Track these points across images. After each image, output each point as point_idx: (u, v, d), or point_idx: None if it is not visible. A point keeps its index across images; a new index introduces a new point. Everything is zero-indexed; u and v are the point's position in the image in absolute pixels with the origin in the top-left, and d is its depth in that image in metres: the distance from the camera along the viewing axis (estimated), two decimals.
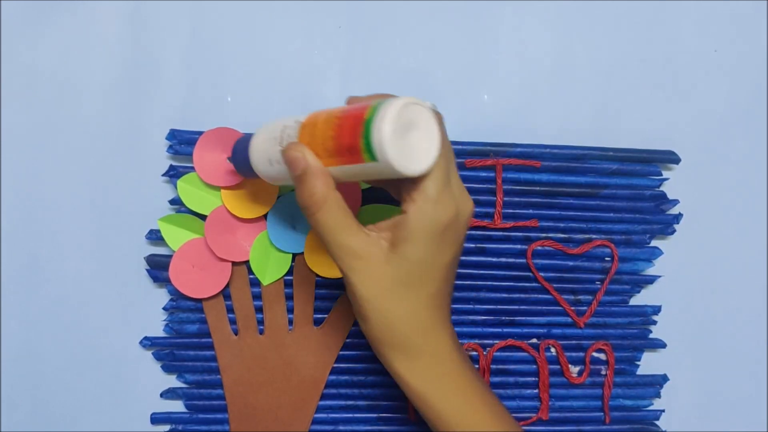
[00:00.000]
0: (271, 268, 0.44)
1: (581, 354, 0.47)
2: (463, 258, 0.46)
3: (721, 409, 0.49)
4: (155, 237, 0.44)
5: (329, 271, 0.44)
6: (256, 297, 0.45)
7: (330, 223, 0.32)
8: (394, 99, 0.30)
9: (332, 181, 0.33)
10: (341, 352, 0.45)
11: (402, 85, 0.47)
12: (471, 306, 0.46)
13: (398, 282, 0.32)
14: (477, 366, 0.46)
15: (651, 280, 0.48)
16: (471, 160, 0.46)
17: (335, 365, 0.45)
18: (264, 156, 0.37)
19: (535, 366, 0.47)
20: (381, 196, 0.45)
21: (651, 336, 0.48)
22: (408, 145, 0.30)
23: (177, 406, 0.45)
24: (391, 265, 0.32)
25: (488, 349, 0.46)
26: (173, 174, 0.44)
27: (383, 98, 0.31)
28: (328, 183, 0.32)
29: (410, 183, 0.32)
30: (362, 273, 0.32)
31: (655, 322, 0.48)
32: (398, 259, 0.32)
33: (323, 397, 0.45)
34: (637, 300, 0.48)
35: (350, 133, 0.31)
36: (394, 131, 0.29)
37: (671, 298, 0.48)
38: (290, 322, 0.45)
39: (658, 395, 0.48)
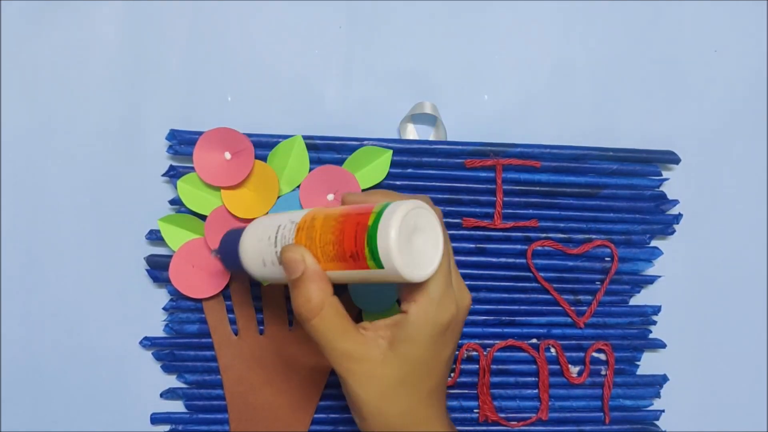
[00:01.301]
0: None
1: (581, 354, 0.47)
2: (463, 258, 0.46)
3: (721, 409, 0.49)
4: (155, 237, 0.44)
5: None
6: (256, 297, 0.45)
7: (326, 330, 0.32)
8: (400, 204, 0.29)
9: (330, 286, 0.32)
10: None
11: (402, 85, 0.47)
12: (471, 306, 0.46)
13: (398, 382, 0.32)
14: (477, 366, 0.46)
15: (651, 280, 0.48)
16: (471, 160, 0.46)
17: None
18: (257, 256, 0.35)
19: (535, 366, 0.47)
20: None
21: (651, 336, 0.48)
22: (413, 251, 0.29)
23: (177, 406, 0.45)
24: (390, 366, 0.32)
25: (488, 349, 0.46)
26: (173, 174, 0.44)
27: (386, 199, 0.30)
28: (325, 288, 0.32)
29: (413, 284, 0.31)
30: (360, 375, 0.32)
31: (655, 322, 0.48)
32: (398, 360, 0.32)
33: (323, 397, 0.45)
34: (637, 300, 0.48)
35: (353, 239, 0.30)
36: (401, 239, 0.29)
37: (671, 298, 0.48)
38: (290, 322, 0.45)
39: (658, 395, 0.48)
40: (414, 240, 0.30)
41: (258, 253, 0.35)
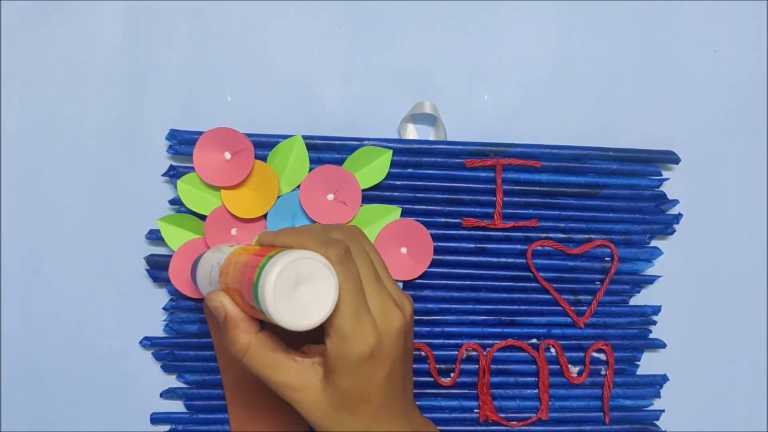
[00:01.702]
0: None
1: (581, 354, 0.47)
2: (463, 258, 0.46)
3: (721, 409, 0.49)
4: (155, 237, 0.44)
5: None
6: None
7: (258, 366, 0.33)
8: (278, 259, 0.29)
9: (254, 325, 0.33)
10: None
11: (402, 85, 0.47)
12: (471, 306, 0.46)
13: (338, 406, 0.33)
14: (477, 366, 0.46)
15: (651, 280, 0.48)
16: (471, 160, 0.46)
17: None
18: (205, 291, 0.37)
19: (535, 366, 0.47)
20: (381, 196, 0.45)
21: (651, 336, 0.48)
22: (298, 302, 0.29)
23: (177, 406, 0.45)
24: (327, 392, 0.33)
25: (488, 349, 0.46)
26: (173, 174, 0.44)
27: (290, 240, 0.31)
28: (248, 329, 0.33)
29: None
30: (303, 403, 0.33)
31: (655, 322, 0.48)
32: (332, 388, 0.32)
33: None
34: (637, 300, 0.48)
35: (247, 292, 0.30)
36: (278, 295, 0.29)
37: (671, 298, 0.48)
38: None
39: (658, 395, 0.48)
40: (300, 289, 0.29)
41: (203, 289, 0.37)
